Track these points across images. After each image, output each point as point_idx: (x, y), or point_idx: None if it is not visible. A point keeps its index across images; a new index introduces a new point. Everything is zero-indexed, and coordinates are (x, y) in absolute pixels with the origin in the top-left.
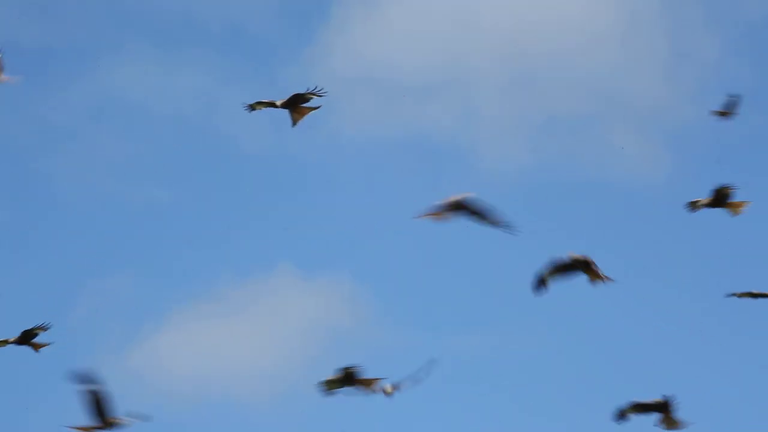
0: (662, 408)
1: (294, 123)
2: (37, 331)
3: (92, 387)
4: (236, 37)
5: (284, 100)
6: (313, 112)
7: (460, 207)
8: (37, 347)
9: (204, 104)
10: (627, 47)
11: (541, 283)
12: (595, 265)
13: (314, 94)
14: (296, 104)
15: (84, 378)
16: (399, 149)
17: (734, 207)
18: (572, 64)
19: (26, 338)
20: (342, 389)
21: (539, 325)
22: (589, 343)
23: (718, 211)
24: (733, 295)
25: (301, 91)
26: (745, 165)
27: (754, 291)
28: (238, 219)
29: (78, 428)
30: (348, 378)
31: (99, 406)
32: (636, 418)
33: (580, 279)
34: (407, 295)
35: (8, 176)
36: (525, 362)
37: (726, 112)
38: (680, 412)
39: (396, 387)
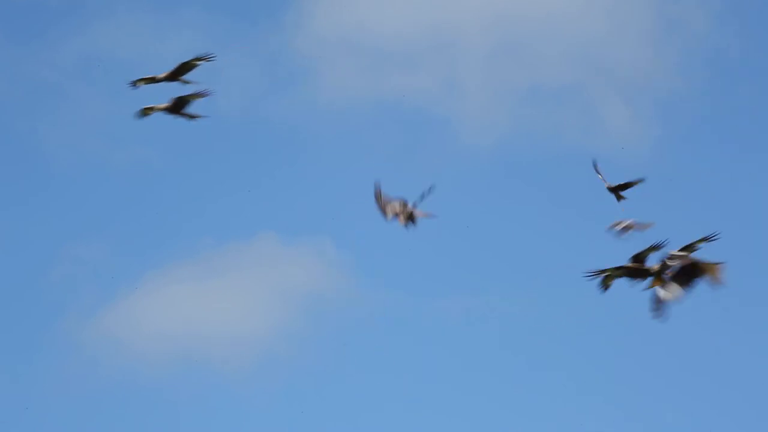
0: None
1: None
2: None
3: None
4: None
5: (167, 73)
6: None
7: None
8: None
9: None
10: (613, 16)
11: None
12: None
13: (202, 59)
14: (180, 74)
15: None
16: (379, 114)
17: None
18: (558, 31)
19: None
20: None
21: (522, 286)
22: (572, 307)
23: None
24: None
25: (188, 59)
26: (732, 136)
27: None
28: (220, 183)
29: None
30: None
31: None
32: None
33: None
34: (388, 260)
35: None
36: (507, 323)
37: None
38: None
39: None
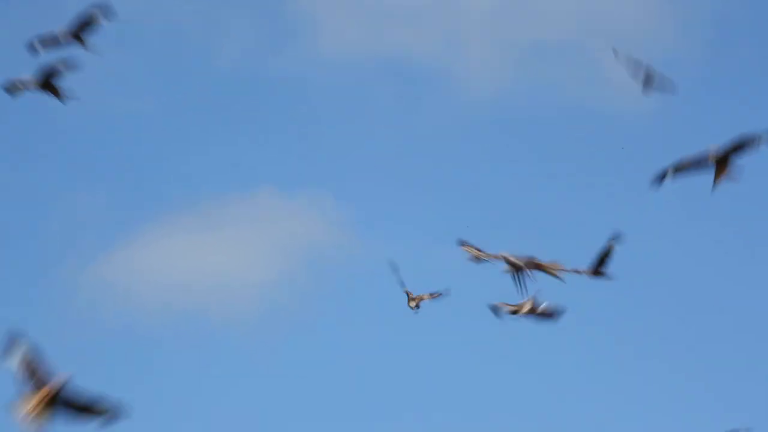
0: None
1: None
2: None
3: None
4: None
5: (68, 29)
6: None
7: None
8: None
9: (196, 19)
10: None
11: (662, 177)
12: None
13: (102, 15)
14: (81, 29)
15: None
16: (381, 68)
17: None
18: None
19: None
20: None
21: (520, 239)
22: (570, 257)
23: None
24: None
25: (88, 14)
26: (734, 97)
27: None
28: (221, 136)
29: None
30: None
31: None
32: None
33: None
34: (388, 211)
35: None
36: (506, 275)
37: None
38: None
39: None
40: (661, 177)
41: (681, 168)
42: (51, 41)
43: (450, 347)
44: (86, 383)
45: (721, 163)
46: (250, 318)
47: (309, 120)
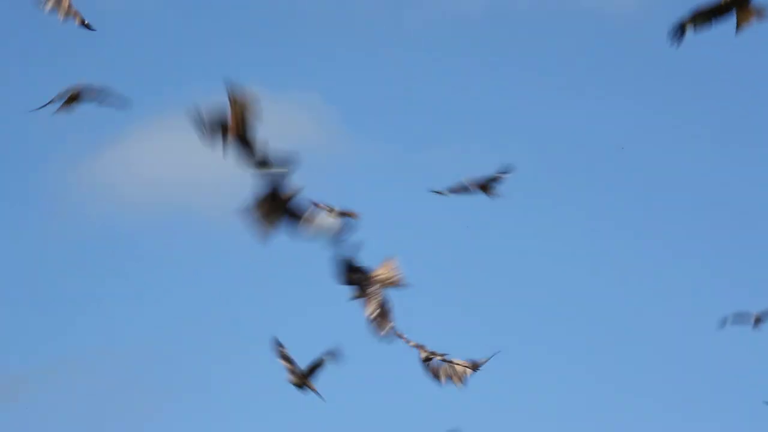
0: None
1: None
2: None
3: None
4: None
5: None
6: None
7: None
8: None
9: None
10: None
11: (681, 30)
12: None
13: None
14: None
15: None
16: None
17: None
18: None
19: None
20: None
21: (507, 137)
22: (564, 155)
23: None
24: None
25: None
26: None
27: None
28: (212, 34)
29: None
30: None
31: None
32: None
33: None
34: (376, 111)
35: None
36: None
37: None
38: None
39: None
40: (680, 30)
41: (699, 18)
42: None
43: (445, 247)
44: (75, 280)
45: (741, 4)
46: (237, 216)
47: (296, 18)
